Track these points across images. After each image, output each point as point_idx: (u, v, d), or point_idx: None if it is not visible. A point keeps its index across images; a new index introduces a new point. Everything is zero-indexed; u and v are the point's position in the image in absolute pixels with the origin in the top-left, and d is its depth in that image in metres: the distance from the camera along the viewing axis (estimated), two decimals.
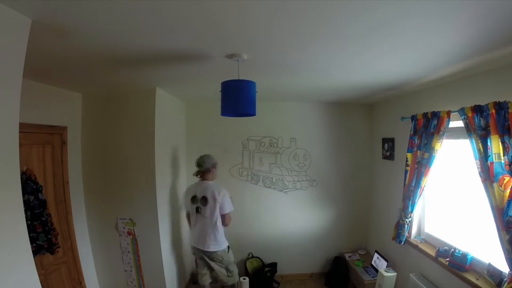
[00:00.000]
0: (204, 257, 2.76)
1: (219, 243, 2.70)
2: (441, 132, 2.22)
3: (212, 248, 2.68)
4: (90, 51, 1.59)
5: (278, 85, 2.61)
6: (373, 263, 3.25)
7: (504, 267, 1.79)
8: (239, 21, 1.23)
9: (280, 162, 3.70)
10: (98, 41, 1.44)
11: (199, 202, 2.70)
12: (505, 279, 1.76)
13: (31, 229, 2.03)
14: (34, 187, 2.13)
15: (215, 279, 2.89)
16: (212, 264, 2.76)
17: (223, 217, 2.70)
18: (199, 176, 2.81)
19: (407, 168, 2.64)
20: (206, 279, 2.86)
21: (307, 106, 3.70)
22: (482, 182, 1.80)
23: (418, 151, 2.49)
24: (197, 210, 2.70)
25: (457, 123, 2.17)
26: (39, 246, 2.11)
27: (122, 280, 2.94)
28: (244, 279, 3.31)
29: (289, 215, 3.75)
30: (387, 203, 3.24)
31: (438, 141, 2.25)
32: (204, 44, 1.51)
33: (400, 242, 2.72)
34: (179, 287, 3.28)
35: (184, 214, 3.20)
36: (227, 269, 2.82)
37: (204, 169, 2.75)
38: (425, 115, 2.42)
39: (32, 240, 2.02)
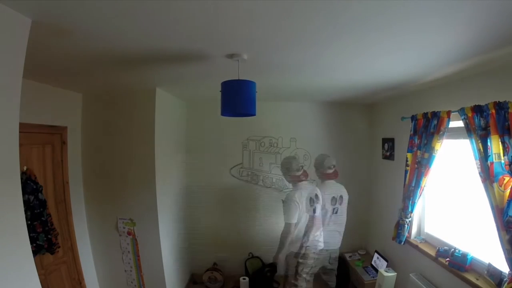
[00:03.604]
0: None
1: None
2: (441, 132, 2.22)
3: None
4: (90, 51, 1.59)
5: (278, 85, 2.61)
6: (373, 263, 3.25)
7: (504, 267, 1.79)
8: (239, 21, 1.23)
9: (280, 162, 3.69)
10: (98, 41, 1.44)
11: None
12: (505, 279, 1.76)
13: (31, 229, 2.02)
14: (34, 187, 2.12)
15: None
16: None
17: None
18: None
19: (407, 168, 2.64)
20: None
21: (307, 106, 3.70)
22: (482, 182, 1.80)
23: (418, 151, 2.49)
24: None
25: (457, 123, 2.16)
26: (39, 246, 2.11)
27: (122, 280, 2.94)
28: (244, 279, 3.31)
29: None
30: (387, 203, 3.24)
31: (438, 141, 2.24)
32: (204, 44, 1.51)
33: (400, 242, 2.72)
34: (179, 287, 3.27)
35: (184, 214, 3.19)
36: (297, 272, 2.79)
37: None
38: (425, 115, 2.42)
39: (32, 240, 2.01)
